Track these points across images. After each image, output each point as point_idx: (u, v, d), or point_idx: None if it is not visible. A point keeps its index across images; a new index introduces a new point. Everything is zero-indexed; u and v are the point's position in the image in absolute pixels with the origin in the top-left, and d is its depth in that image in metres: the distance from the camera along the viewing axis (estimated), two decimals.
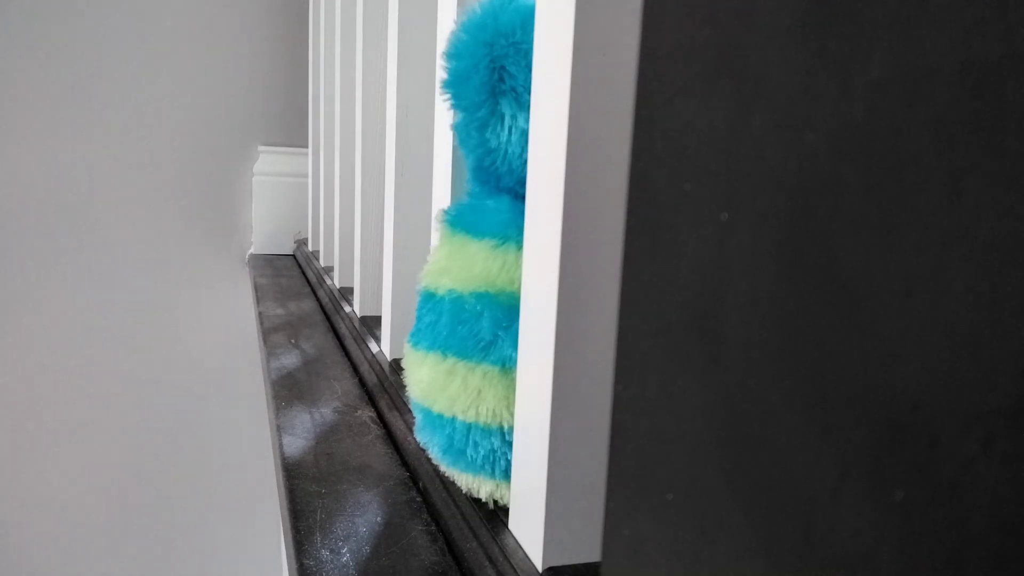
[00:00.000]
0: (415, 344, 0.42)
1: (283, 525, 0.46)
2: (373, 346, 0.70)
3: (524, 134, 0.38)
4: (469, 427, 0.38)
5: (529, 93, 0.36)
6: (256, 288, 1.12)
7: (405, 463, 0.51)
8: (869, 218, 0.11)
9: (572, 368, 0.32)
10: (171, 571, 1.46)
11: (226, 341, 1.45)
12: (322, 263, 1.17)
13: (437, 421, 0.40)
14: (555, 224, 0.31)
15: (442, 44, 0.43)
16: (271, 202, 1.47)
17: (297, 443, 0.54)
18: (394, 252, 0.64)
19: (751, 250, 0.13)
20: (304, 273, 1.23)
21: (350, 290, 0.90)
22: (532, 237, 0.34)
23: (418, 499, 0.46)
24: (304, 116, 1.46)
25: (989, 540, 0.09)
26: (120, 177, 1.38)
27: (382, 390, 0.61)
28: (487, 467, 0.38)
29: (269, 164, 1.47)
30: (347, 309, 0.87)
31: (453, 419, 0.39)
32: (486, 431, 0.38)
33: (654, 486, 0.15)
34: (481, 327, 0.38)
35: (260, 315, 0.94)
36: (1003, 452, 0.09)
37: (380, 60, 0.77)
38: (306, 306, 1.00)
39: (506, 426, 0.38)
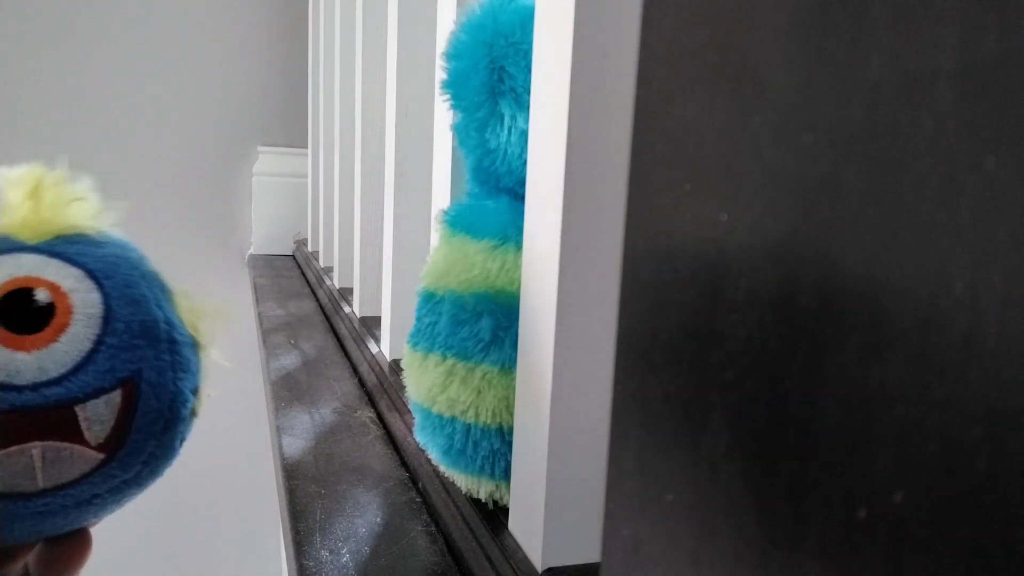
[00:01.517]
0: (415, 345, 0.42)
1: (283, 525, 0.46)
2: (373, 347, 0.70)
3: (524, 134, 0.38)
4: (469, 428, 0.38)
5: (529, 93, 0.36)
6: (256, 288, 1.12)
7: (405, 464, 0.51)
8: (869, 218, 0.11)
9: (572, 368, 0.32)
10: (171, 571, 1.46)
11: (225, 341, 1.45)
12: (322, 263, 1.17)
13: (437, 422, 0.40)
14: (555, 224, 0.31)
15: (442, 44, 0.43)
16: (271, 202, 1.47)
17: (297, 443, 0.54)
18: (394, 252, 0.64)
19: (751, 250, 0.13)
20: (304, 273, 1.23)
21: (350, 290, 0.90)
22: (532, 237, 0.34)
23: (418, 500, 0.46)
24: (304, 116, 1.46)
25: (991, 546, 0.09)
26: (120, 177, 1.38)
27: (382, 391, 0.61)
28: (487, 468, 0.38)
29: (269, 164, 1.47)
30: (347, 309, 0.87)
31: (453, 420, 0.39)
32: (486, 432, 0.38)
33: (653, 486, 0.15)
34: (481, 328, 0.38)
35: (260, 315, 0.94)
36: (1006, 449, 0.09)
37: (380, 60, 0.77)
38: (306, 306, 1.00)
39: (506, 427, 0.38)
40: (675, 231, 0.15)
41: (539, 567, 0.33)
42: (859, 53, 0.11)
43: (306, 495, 0.45)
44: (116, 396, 0.28)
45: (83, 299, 0.29)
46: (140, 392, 0.29)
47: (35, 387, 0.27)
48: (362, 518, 0.43)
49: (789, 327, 0.12)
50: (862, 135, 0.11)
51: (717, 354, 0.14)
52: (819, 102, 0.11)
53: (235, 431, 1.46)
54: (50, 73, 1.33)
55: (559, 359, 0.32)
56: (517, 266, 0.38)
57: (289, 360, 0.74)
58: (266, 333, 0.84)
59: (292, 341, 0.81)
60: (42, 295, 0.28)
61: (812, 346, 0.12)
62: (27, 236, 0.31)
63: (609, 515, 0.17)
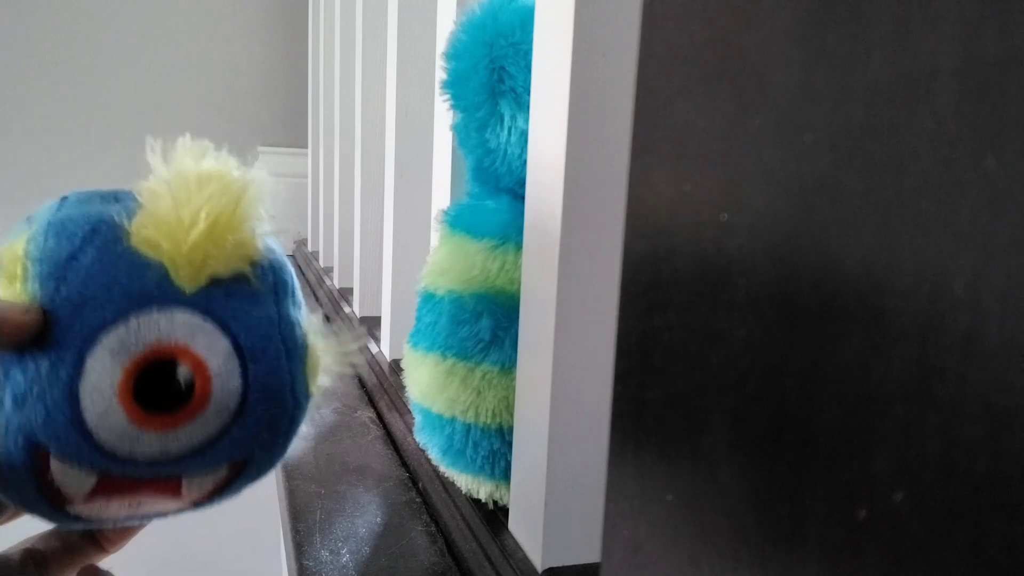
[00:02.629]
0: (415, 345, 0.42)
1: (283, 525, 0.46)
2: (373, 347, 0.70)
3: (524, 134, 0.38)
4: (469, 428, 0.38)
5: (528, 93, 0.36)
6: None
7: (405, 464, 0.51)
8: (869, 218, 0.11)
9: (572, 368, 0.32)
10: (171, 571, 1.46)
11: None
12: (322, 264, 1.17)
13: (437, 422, 0.40)
14: (555, 224, 0.31)
15: (442, 44, 0.43)
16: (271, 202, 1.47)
17: (297, 443, 0.54)
18: (394, 252, 0.64)
19: (751, 250, 0.13)
20: (304, 274, 1.23)
21: (350, 290, 0.90)
22: (532, 237, 0.34)
23: (418, 500, 0.46)
24: (304, 116, 1.46)
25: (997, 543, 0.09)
26: (120, 176, 1.38)
27: (382, 391, 0.61)
28: (487, 467, 0.38)
29: (269, 164, 1.47)
30: (347, 309, 0.87)
31: (453, 420, 0.39)
32: (486, 431, 0.38)
33: (654, 487, 0.15)
34: (481, 328, 0.38)
35: None
36: (1006, 449, 0.09)
37: (380, 60, 0.77)
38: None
39: (506, 427, 0.38)
40: (675, 231, 0.15)
41: (539, 567, 0.33)
42: (859, 53, 0.11)
43: (306, 495, 0.45)
44: (223, 471, 0.28)
45: (224, 387, 0.26)
46: (246, 470, 0.28)
47: (151, 463, 0.25)
48: (362, 518, 0.43)
49: (789, 327, 0.12)
50: (862, 135, 0.11)
51: (717, 354, 0.14)
52: (819, 102, 0.11)
53: None
54: (50, 73, 1.33)
55: (559, 359, 0.32)
56: (517, 266, 0.38)
57: None
58: None
59: None
60: (184, 373, 0.25)
61: (812, 346, 0.12)
62: (185, 276, 0.26)
63: (609, 515, 0.17)
